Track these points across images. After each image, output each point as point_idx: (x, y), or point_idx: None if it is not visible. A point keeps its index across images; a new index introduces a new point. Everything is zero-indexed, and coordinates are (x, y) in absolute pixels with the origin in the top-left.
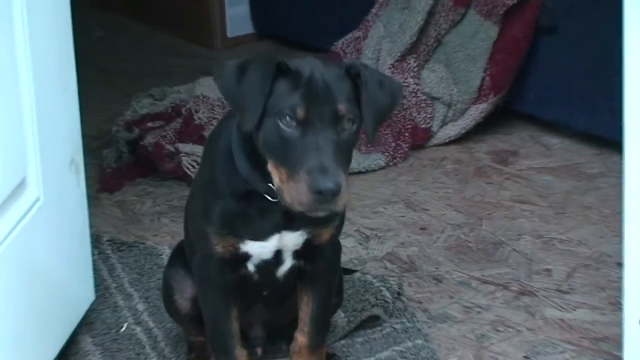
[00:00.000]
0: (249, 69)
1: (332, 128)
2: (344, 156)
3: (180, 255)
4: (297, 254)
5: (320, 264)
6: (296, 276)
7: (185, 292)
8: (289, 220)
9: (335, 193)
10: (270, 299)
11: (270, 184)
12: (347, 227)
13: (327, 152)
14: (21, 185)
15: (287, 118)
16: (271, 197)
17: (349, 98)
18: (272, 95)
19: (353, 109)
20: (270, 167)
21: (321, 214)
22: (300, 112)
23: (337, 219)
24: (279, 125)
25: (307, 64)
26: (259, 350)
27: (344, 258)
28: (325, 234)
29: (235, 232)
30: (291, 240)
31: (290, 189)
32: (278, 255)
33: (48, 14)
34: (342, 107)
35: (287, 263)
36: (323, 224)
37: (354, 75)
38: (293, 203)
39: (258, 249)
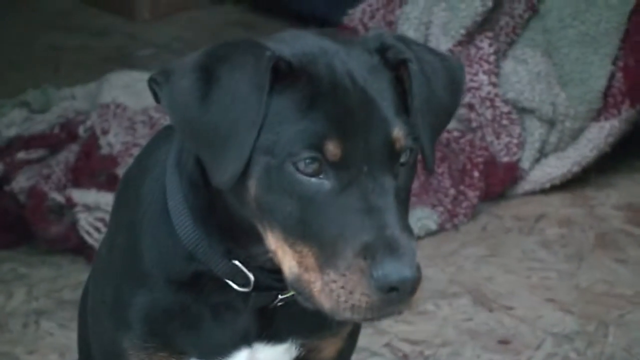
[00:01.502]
0: (220, 72)
1: (389, 170)
2: (406, 209)
3: None
4: None
5: None
6: None
7: None
8: (267, 323)
9: (416, 283)
10: None
11: (236, 261)
12: (370, 338)
13: (388, 213)
14: None
15: (309, 161)
16: (237, 283)
17: (399, 109)
18: (270, 119)
19: (410, 128)
20: (274, 242)
21: (382, 319)
22: (334, 149)
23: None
24: (293, 174)
25: (320, 54)
26: None
27: None
28: (329, 350)
29: (172, 344)
30: (270, 358)
31: (331, 284)
32: None
33: None
34: (399, 134)
35: None
36: (326, 329)
37: (393, 63)
38: (339, 308)
39: None
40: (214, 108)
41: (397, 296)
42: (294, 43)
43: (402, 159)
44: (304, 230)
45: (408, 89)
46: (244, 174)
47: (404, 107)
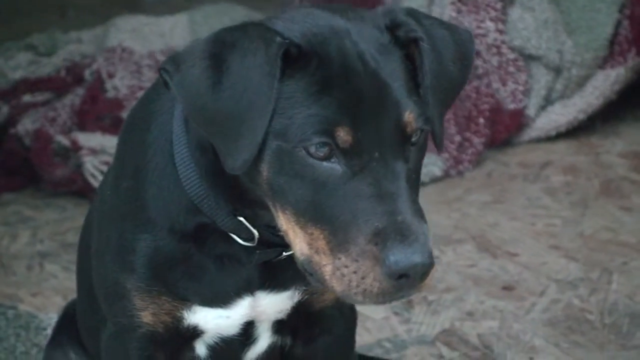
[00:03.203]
0: (231, 59)
1: (400, 155)
2: (417, 192)
3: (71, 327)
4: (280, 328)
5: (320, 343)
6: None
7: None
8: (270, 273)
9: (428, 269)
10: None
11: (241, 218)
12: None
13: (400, 199)
14: None
15: (320, 146)
16: (241, 238)
17: (410, 89)
18: (282, 104)
19: (421, 109)
20: (285, 223)
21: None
22: (345, 135)
23: None
24: (304, 159)
25: (330, 35)
26: None
27: (367, 338)
28: (330, 293)
29: (175, 290)
30: (272, 305)
31: (343, 268)
32: (248, 329)
33: None
34: (411, 117)
35: (263, 342)
36: None
37: (404, 41)
38: (350, 292)
39: (215, 320)
40: (225, 96)
41: (407, 282)
42: (304, 22)
43: (414, 140)
44: (315, 213)
45: (419, 67)
46: (257, 158)
47: (414, 86)
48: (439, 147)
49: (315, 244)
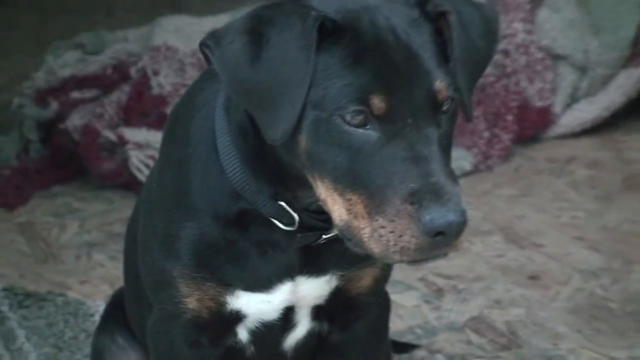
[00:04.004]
0: (269, 34)
1: (432, 121)
2: (449, 157)
3: (118, 314)
4: (318, 313)
5: (356, 329)
6: (315, 350)
7: None
8: (309, 259)
9: (462, 228)
10: None
11: (282, 202)
12: (405, 272)
13: (433, 161)
14: None
15: (355, 113)
16: (283, 223)
17: (440, 61)
18: (318, 75)
19: (451, 78)
20: (324, 191)
21: (429, 261)
22: (380, 102)
23: None
24: (341, 126)
25: (362, 10)
26: None
27: (399, 325)
28: (366, 279)
29: (219, 276)
30: (312, 290)
31: (380, 229)
32: (288, 314)
33: None
34: (441, 85)
35: (302, 327)
36: (365, 260)
37: (433, 15)
38: (388, 252)
39: (257, 305)
40: (265, 68)
41: (443, 240)
42: (338, 0)
43: (444, 108)
44: (352, 179)
45: (448, 40)
46: (295, 129)
47: (444, 58)
48: (469, 118)
49: (353, 208)
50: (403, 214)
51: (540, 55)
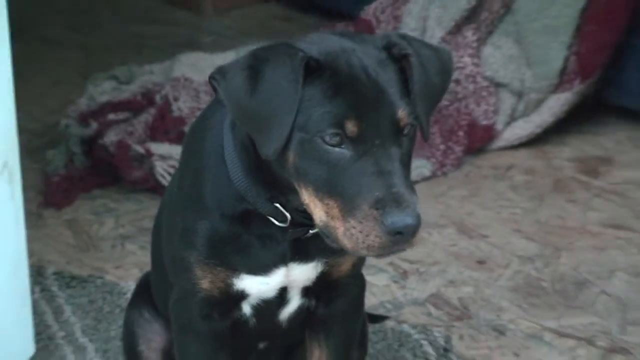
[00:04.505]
0: (264, 70)
1: (395, 142)
2: (409, 171)
3: (146, 293)
4: (307, 292)
5: (338, 304)
6: (304, 322)
7: (152, 341)
8: (299, 249)
9: (416, 229)
10: (269, 354)
11: (277, 204)
12: (377, 259)
13: (395, 175)
14: None
15: (333, 135)
16: (278, 220)
17: (403, 94)
18: (303, 104)
19: (411, 108)
20: (307, 197)
21: (390, 255)
22: (352, 127)
23: None
24: (321, 146)
25: (340, 52)
26: None
27: (373, 301)
28: (345, 265)
29: (227, 263)
30: (301, 274)
31: (352, 229)
32: (282, 293)
33: None
34: (403, 114)
35: (293, 303)
36: (341, 251)
37: (398, 57)
38: (357, 247)
39: (258, 286)
40: (260, 98)
41: (402, 238)
42: (321, 44)
43: (405, 132)
44: (330, 188)
45: (409, 77)
46: (285, 147)
47: (406, 91)
48: (426, 138)
49: (330, 212)
50: (370, 217)
51: (485, 83)
